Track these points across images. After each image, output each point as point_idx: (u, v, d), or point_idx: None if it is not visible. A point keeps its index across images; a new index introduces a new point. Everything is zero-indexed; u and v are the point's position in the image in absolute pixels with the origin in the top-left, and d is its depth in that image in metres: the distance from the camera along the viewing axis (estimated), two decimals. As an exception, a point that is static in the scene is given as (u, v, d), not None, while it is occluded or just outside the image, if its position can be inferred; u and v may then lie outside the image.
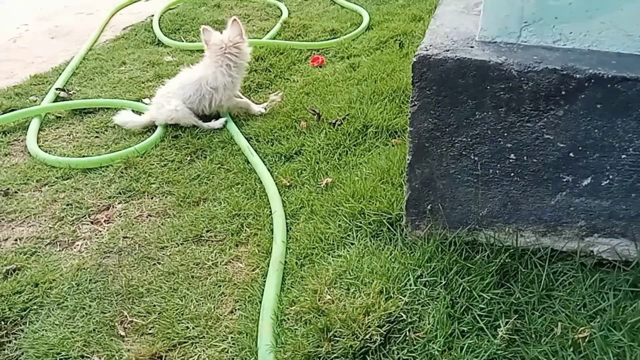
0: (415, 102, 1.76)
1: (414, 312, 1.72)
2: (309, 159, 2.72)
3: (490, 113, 1.70)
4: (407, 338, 1.66)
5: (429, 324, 1.68)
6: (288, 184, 2.58)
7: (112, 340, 1.84)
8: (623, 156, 1.64)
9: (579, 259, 1.82)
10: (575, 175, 1.72)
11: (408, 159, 1.86)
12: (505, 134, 1.72)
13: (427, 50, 1.70)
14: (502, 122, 1.70)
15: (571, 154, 1.69)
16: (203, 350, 1.78)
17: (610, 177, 1.69)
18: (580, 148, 1.67)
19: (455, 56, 1.66)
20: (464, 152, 1.79)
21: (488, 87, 1.67)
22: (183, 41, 4.46)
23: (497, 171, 1.79)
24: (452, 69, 1.67)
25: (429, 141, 1.80)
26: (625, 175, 1.67)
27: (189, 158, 2.88)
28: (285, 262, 2.09)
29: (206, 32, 3.09)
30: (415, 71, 1.71)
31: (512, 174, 1.78)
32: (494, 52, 1.68)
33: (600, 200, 1.73)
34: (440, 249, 1.91)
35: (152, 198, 2.60)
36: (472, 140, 1.76)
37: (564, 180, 1.74)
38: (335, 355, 1.62)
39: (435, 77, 1.70)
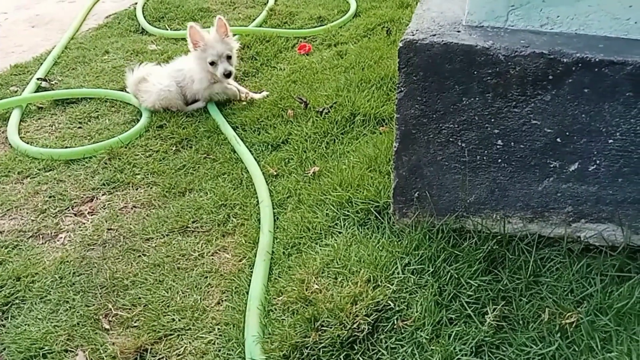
0: (402, 88, 1.73)
1: (401, 300, 1.71)
2: (296, 147, 2.69)
3: (477, 99, 1.68)
4: (395, 326, 1.65)
5: (416, 311, 1.67)
6: (275, 173, 2.55)
7: (96, 333, 1.81)
8: (610, 141, 1.64)
9: (566, 245, 1.82)
10: (563, 160, 1.71)
11: (395, 146, 1.84)
12: (493, 120, 1.70)
13: (413, 35, 1.67)
14: (489, 107, 1.68)
15: (558, 140, 1.68)
16: (189, 342, 1.76)
17: (597, 162, 1.68)
18: (567, 133, 1.66)
19: (442, 41, 1.64)
20: (451, 139, 1.77)
21: (475, 72, 1.64)
22: (167, 29, 4.39)
23: (485, 157, 1.77)
24: (438, 54, 1.64)
25: (415, 128, 1.78)
26: (612, 160, 1.66)
27: (174, 148, 2.83)
28: (273, 252, 2.07)
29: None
30: (401, 56, 1.69)
31: (500, 160, 1.76)
32: (480, 36, 1.66)
33: (587, 185, 1.73)
34: (427, 237, 1.90)
35: (136, 189, 2.55)
36: (459, 127, 1.74)
37: (551, 165, 1.73)
38: (322, 345, 1.60)
39: (421, 62, 1.67)
